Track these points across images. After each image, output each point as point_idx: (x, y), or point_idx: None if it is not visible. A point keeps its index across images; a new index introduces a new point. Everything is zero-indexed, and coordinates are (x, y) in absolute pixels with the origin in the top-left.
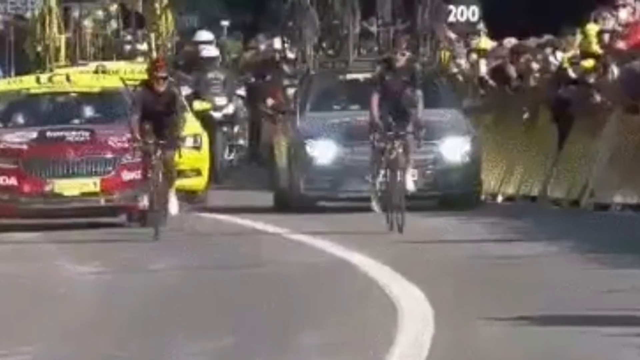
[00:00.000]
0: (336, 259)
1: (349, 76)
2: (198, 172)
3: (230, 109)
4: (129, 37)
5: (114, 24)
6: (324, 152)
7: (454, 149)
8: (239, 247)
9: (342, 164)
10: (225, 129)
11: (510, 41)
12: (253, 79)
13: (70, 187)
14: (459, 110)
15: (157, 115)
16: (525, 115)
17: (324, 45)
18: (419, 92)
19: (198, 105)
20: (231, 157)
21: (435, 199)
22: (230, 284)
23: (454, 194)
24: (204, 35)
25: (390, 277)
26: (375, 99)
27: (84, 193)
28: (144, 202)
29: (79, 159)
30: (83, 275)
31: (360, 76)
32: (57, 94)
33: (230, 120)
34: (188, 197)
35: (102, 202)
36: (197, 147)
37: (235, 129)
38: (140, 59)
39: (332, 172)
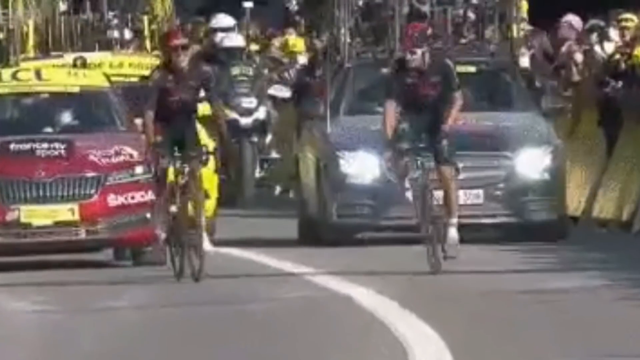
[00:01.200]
0: (371, 319)
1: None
2: (205, 194)
3: (261, 114)
4: (114, 22)
5: (62, 5)
6: (362, 167)
7: (531, 162)
8: (237, 285)
9: (387, 183)
10: (255, 138)
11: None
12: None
13: (40, 215)
14: (537, 113)
15: (182, 110)
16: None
17: (363, 30)
18: (457, 95)
19: (203, 108)
20: (262, 174)
21: (505, 227)
22: (217, 323)
23: (532, 221)
24: (224, 19)
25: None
26: (389, 108)
27: (59, 223)
28: (161, 235)
29: (51, 179)
30: (24, 314)
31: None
32: (23, 94)
33: (261, 127)
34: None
35: (83, 234)
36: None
37: (268, 138)
38: (127, 50)
39: (374, 194)
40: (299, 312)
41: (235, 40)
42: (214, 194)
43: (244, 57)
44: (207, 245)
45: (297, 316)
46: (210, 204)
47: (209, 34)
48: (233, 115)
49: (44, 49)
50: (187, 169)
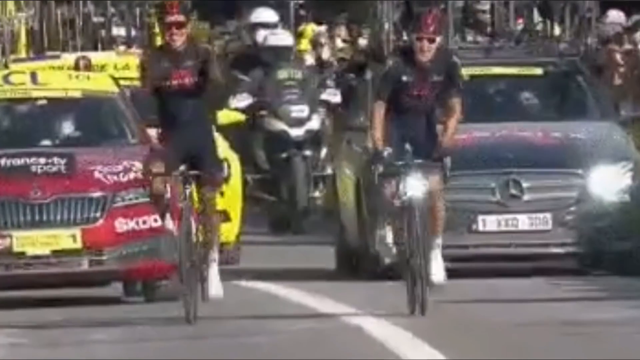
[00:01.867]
0: None
1: None
2: (225, 216)
3: (314, 124)
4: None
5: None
6: (410, 187)
7: (607, 181)
8: (244, 317)
9: None
10: (308, 152)
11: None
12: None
13: (36, 242)
14: (614, 123)
15: (181, 97)
16: None
17: (409, 26)
18: (457, 101)
19: (225, 116)
20: (316, 193)
21: (576, 257)
22: (219, 355)
23: (607, 251)
24: (265, 13)
25: None
26: (378, 112)
27: (58, 251)
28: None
29: (49, 200)
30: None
31: (464, 72)
32: (16, 101)
33: (314, 139)
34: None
35: (86, 265)
36: (224, 179)
37: (323, 152)
38: (134, 49)
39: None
40: (306, 344)
41: (282, 38)
42: (236, 215)
43: (292, 58)
44: (214, 288)
45: (304, 348)
46: (230, 228)
47: (249, 31)
48: (281, 126)
49: (39, 48)
50: (188, 191)
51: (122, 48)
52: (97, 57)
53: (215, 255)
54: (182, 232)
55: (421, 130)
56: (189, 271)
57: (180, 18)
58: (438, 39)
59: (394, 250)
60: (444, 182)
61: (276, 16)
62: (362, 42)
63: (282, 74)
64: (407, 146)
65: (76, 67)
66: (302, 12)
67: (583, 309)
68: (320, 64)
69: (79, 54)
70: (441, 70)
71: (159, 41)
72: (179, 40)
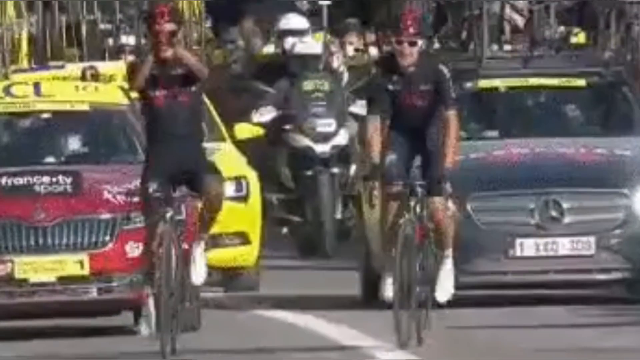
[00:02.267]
0: None
1: (485, 83)
2: (244, 238)
3: (342, 139)
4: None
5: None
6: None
7: None
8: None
9: (472, 228)
10: (335, 170)
11: None
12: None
13: (40, 268)
14: None
15: (171, 110)
16: None
17: (442, 32)
18: (452, 114)
19: (243, 130)
20: (346, 215)
21: (622, 284)
22: None
23: None
24: (295, 20)
25: None
26: (372, 126)
27: (64, 278)
28: (148, 292)
29: (54, 222)
30: None
31: (500, 83)
32: (19, 115)
33: (342, 156)
34: (227, 278)
35: (94, 292)
36: (242, 198)
37: (352, 169)
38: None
39: (460, 241)
40: None
41: (310, 45)
42: (255, 237)
43: (320, 67)
44: (196, 274)
45: None
46: (249, 252)
47: (280, 36)
48: (306, 141)
49: (41, 57)
50: (169, 214)
51: (131, 57)
52: (105, 66)
53: (204, 235)
54: (162, 260)
55: (418, 144)
56: (167, 303)
57: (170, 27)
58: (420, 42)
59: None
60: (449, 200)
61: (306, 23)
62: (373, 51)
63: (308, 85)
64: (417, 161)
65: (83, 78)
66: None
67: (603, 335)
68: (330, 72)
69: (86, 63)
70: (428, 78)
71: None
72: (167, 50)
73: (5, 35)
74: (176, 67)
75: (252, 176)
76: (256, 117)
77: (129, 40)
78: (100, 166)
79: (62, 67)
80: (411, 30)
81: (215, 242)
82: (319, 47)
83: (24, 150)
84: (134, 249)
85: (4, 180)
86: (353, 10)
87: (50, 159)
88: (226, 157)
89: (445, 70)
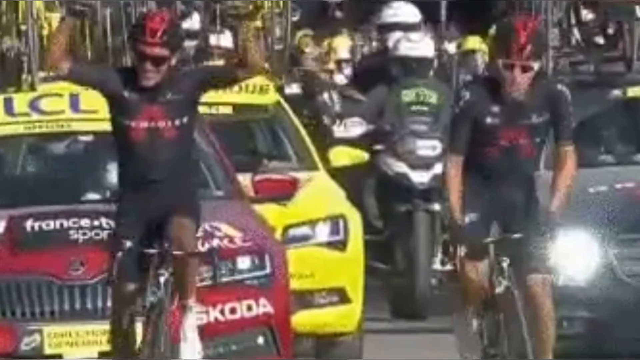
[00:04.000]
0: None
1: (637, 91)
2: (342, 296)
3: None
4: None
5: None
6: (572, 257)
7: None
8: None
9: (614, 282)
10: (434, 206)
11: None
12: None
13: (78, 341)
14: None
15: (152, 147)
16: None
17: (575, 31)
18: (570, 149)
19: (341, 154)
20: (446, 264)
21: None
22: None
23: None
24: (407, 10)
25: None
26: (455, 169)
27: (109, 354)
28: None
29: (96, 280)
30: None
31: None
32: (50, 137)
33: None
34: (322, 346)
35: None
36: (339, 244)
37: None
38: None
39: (592, 299)
40: None
41: (417, 45)
42: (357, 295)
43: (430, 74)
44: (187, 351)
45: None
46: (350, 313)
47: (380, 31)
48: (401, 167)
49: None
50: (162, 278)
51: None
52: None
53: (191, 301)
54: (146, 344)
55: (516, 196)
56: None
57: (160, 52)
58: (536, 66)
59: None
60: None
61: (419, 15)
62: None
63: (409, 95)
64: (495, 225)
65: None
66: (338, 14)
67: None
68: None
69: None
70: (543, 106)
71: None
72: (153, 78)
73: (31, 33)
74: (165, 91)
75: (353, 215)
76: (339, 131)
77: (220, 40)
78: None
79: None
80: (527, 51)
81: (305, 301)
82: (430, 48)
83: (56, 184)
84: (202, 314)
85: (29, 224)
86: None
87: (91, 195)
88: (319, 191)
89: (566, 91)
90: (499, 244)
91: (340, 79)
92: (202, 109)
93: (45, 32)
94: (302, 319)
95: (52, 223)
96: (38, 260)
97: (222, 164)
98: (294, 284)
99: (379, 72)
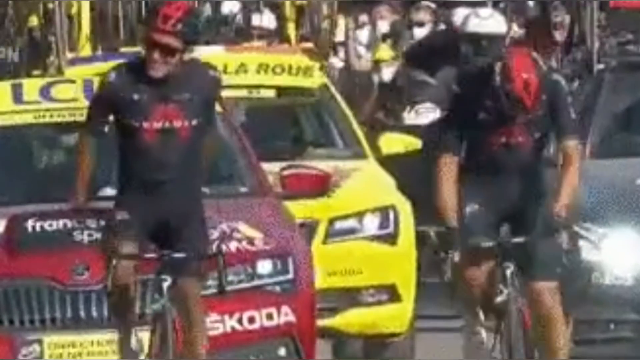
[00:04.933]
0: None
1: None
2: (392, 293)
3: None
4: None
5: None
6: (625, 256)
7: None
8: None
9: None
10: None
11: None
12: None
13: (82, 351)
14: None
15: (163, 148)
16: None
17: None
18: (574, 143)
19: (392, 141)
20: None
21: None
22: None
23: None
24: None
25: None
26: (447, 169)
27: None
28: None
29: (102, 285)
30: None
31: None
32: (59, 127)
33: None
34: (371, 347)
35: None
36: (389, 237)
37: None
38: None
39: (637, 303)
40: None
41: (488, 22)
42: (408, 292)
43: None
44: None
45: None
46: (401, 312)
47: (448, 6)
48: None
49: (111, 42)
50: (165, 284)
51: (259, 43)
52: (210, 53)
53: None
54: (155, 351)
55: (519, 194)
56: None
57: (172, 41)
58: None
59: None
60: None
61: None
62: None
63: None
64: (504, 228)
65: None
66: None
67: None
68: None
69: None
70: (540, 92)
71: (292, 31)
72: (161, 70)
73: (59, 11)
74: (180, 89)
75: (404, 206)
76: (410, 117)
77: (262, 20)
78: None
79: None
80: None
81: (352, 299)
82: (502, 24)
83: (68, 178)
84: (217, 323)
85: (30, 224)
86: None
87: (107, 191)
88: (367, 181)
89: (562, 80)
90: (503, 247)
91: (335, 61)
92: (241, 92)
93: (73, 10)
94: (350, 319)
95: (54, 223)
96: (39, 263)
97: (247, 157)
98: (340, 281)
99: (443, 51)
